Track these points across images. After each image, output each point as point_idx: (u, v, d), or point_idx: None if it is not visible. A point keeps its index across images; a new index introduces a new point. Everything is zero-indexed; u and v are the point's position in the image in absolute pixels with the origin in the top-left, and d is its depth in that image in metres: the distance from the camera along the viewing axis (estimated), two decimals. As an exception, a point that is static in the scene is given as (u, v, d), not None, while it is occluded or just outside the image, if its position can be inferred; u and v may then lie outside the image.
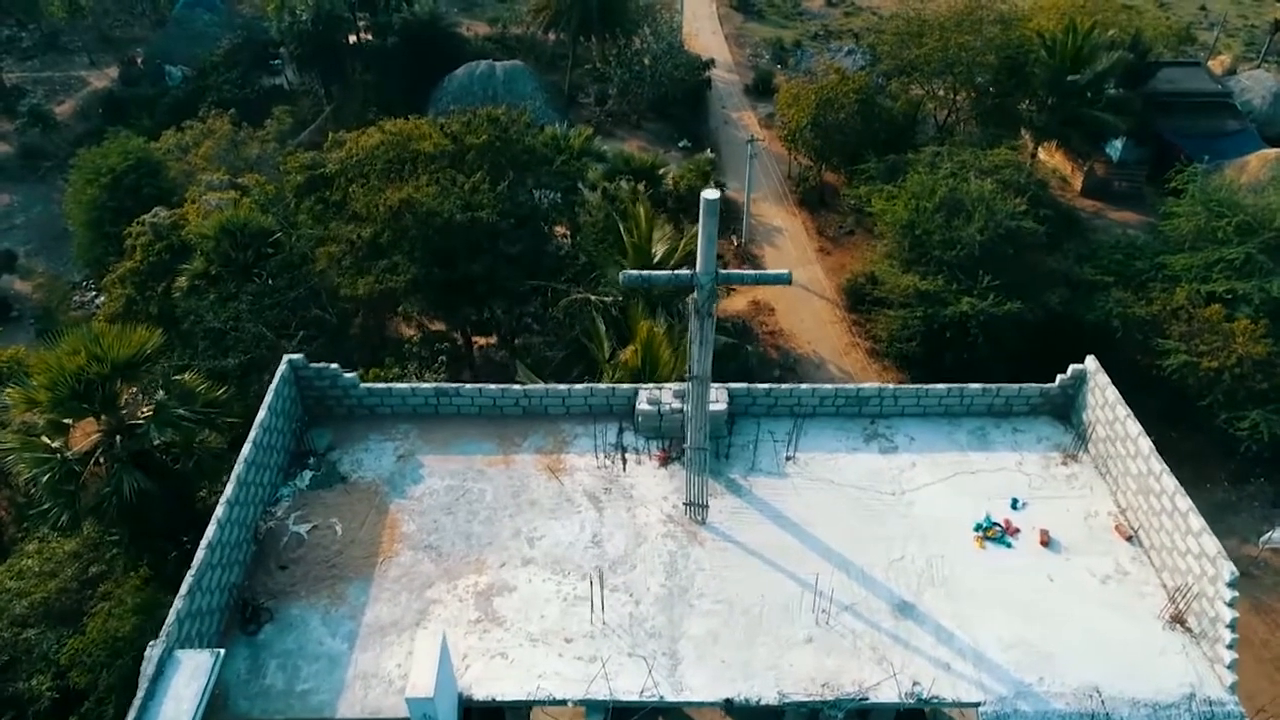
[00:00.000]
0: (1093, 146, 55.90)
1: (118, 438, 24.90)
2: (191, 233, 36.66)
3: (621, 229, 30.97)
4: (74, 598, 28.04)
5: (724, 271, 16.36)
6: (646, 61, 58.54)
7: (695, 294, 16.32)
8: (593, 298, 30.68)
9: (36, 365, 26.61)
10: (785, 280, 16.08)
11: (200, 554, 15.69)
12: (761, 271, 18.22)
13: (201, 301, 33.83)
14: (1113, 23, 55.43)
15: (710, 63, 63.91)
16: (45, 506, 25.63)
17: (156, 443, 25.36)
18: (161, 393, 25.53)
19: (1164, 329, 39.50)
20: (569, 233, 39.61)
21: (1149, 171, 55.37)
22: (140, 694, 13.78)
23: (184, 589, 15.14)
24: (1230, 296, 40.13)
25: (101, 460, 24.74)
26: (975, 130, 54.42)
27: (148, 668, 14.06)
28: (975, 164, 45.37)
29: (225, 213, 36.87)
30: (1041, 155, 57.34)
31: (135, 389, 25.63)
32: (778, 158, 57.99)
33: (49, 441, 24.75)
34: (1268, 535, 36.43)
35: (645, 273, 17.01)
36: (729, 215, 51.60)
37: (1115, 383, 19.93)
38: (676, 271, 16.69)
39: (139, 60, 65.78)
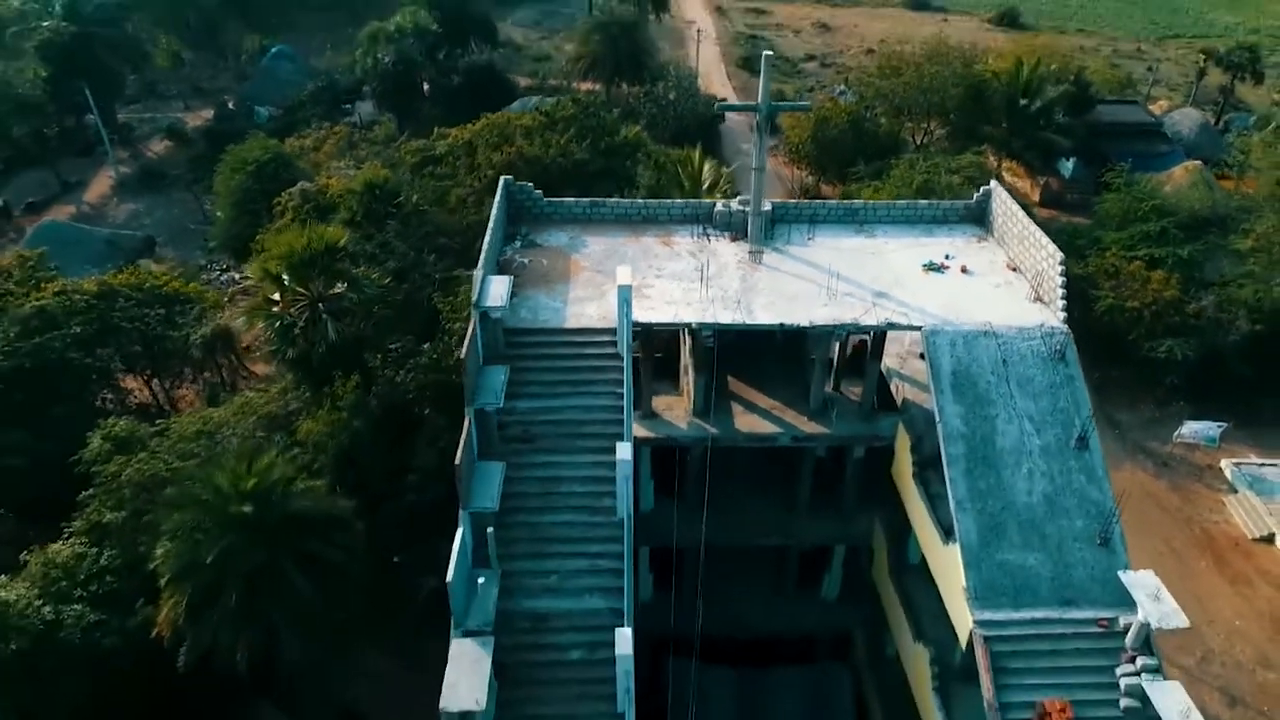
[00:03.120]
0: (1046, 165, 72.88)
1: (319, 305, 39.61)
2: (338, 191, 51.89)
3: (678, 168, 46.51)
4: (284, 420, 42.06)
5: (774, 103, 31.65)
6: (671, 97, 75.32)
7: (757, 117, 31.62)
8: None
9: (272, 244, 41.75)
10: (806, 108, 31.24)
11: (483, 255, 30.30)
12: (794, 102, 32.67)
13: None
14: (1058, 60, 72.64)
15: (724, 100, 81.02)
16: (274, 348, 40.58)
17: (348, 308, 39.98)
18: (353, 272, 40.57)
19: (1097, 284, 55.13)
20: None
21: (1095, 187, 71.82)
22: (476, 290, 28.18)
23: (481, 260, 29.69)
24: (1149, 259, 55.88)
25: (302, 325, 39.15)
26: (948, 147, 70.96)
27: (475, 285, 28.48)
28: (945, 164, 61.71)
29: (367, 174, 52.27)
30: (1006, 177, 73.81)
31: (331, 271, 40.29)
32: (783, 178, 74.24)
33: (269, 307, 39.56)
34: (1178, 432, 51.29)
35: (727, 103, 32.28)
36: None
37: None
38: (747, 103, 31.52)
39: (230, 103, 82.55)
